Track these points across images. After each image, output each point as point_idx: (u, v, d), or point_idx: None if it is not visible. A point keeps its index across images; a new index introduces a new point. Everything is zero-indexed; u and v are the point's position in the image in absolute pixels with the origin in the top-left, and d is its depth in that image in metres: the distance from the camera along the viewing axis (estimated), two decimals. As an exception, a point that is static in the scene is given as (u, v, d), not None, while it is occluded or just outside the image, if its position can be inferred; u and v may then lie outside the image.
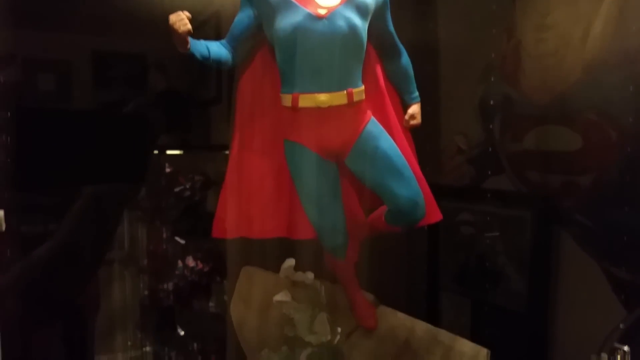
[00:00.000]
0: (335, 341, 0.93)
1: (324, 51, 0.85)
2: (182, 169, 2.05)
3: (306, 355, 0.90)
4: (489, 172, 1.37)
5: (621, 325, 1.00)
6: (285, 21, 0.85)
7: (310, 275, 0.94)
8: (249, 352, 1.04)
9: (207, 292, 1.96)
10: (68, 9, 1.54)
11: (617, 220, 1.06)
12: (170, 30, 0.83)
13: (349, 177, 0.96)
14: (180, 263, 2.03)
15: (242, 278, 1.13)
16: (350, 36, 0.85)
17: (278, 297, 0.92)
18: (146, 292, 2.08)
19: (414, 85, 0.99)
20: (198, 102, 2.11)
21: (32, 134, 1.47)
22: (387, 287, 1.14)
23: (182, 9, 0.84)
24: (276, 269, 0.98)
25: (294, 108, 0.87)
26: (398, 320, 1.00)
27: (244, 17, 0.91)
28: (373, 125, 0.91)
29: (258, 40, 0.94)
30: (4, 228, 1.25)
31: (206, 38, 0.91)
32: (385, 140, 0.91)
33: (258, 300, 1.06)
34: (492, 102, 1.32)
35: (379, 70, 0.96)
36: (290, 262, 0.94)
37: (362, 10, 0.87)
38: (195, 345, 1.97)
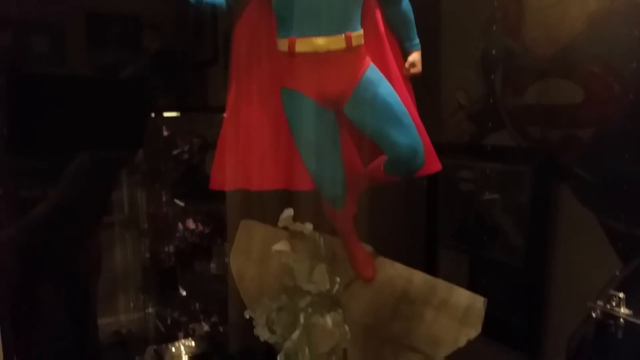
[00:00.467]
0: (334, 291, 0.93)
1: None
2: (180, 132, 2.04)
3: (306, 303, 0.91)
4: (490, 127, 1.36)
5: (617, 273, 1.01)
6: (282, -39, 0.82)
7: (309, 225, 0.94)
8: (249, 301, 1.06)
9: (208, 253, 1.98)
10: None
11: (617, 170, 1.06)
12: None
13: (347, 127, 0.94)
14: (180, 225, 2.05)
15: (241, 231, 1.13)
16: None
17: (277, 247, 0.92)
18: (147, 255, 2.10)
19: (415, 31, 0.96)
20: (194, 63, 2.07)
21: (27, 98, 1.45)
22: (386, 241, 1.15)
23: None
24: (275, 222, 0.98)
25: (291, 53, 0.85)
26: (396, 271, 1.01)
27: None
28: (372, 72, 0.89)
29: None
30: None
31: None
32: (385, 87, 0.89)
33: (257, 252, 1.07)
34: (494, 53, 1.30)
35: (378, 15, 0.93)
36: (289, 211, 0.93)
37: (361, -50, 0.84)
38: (197, 305, 2.00)
